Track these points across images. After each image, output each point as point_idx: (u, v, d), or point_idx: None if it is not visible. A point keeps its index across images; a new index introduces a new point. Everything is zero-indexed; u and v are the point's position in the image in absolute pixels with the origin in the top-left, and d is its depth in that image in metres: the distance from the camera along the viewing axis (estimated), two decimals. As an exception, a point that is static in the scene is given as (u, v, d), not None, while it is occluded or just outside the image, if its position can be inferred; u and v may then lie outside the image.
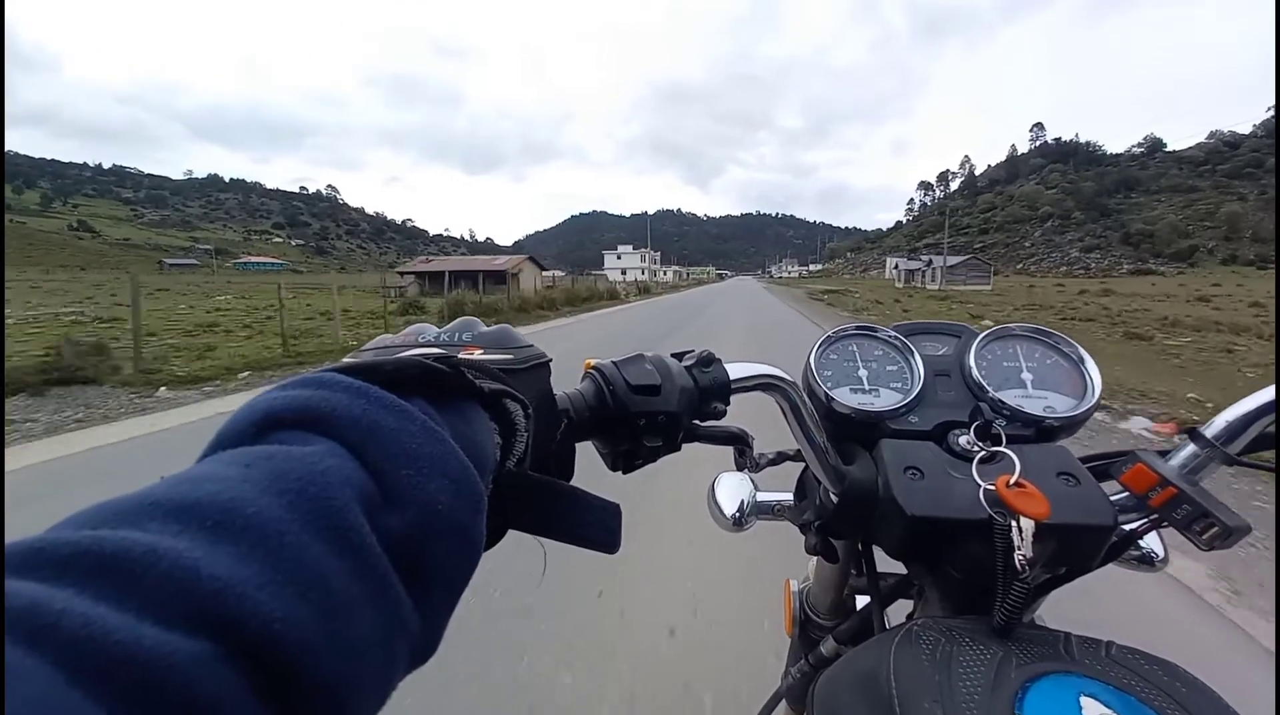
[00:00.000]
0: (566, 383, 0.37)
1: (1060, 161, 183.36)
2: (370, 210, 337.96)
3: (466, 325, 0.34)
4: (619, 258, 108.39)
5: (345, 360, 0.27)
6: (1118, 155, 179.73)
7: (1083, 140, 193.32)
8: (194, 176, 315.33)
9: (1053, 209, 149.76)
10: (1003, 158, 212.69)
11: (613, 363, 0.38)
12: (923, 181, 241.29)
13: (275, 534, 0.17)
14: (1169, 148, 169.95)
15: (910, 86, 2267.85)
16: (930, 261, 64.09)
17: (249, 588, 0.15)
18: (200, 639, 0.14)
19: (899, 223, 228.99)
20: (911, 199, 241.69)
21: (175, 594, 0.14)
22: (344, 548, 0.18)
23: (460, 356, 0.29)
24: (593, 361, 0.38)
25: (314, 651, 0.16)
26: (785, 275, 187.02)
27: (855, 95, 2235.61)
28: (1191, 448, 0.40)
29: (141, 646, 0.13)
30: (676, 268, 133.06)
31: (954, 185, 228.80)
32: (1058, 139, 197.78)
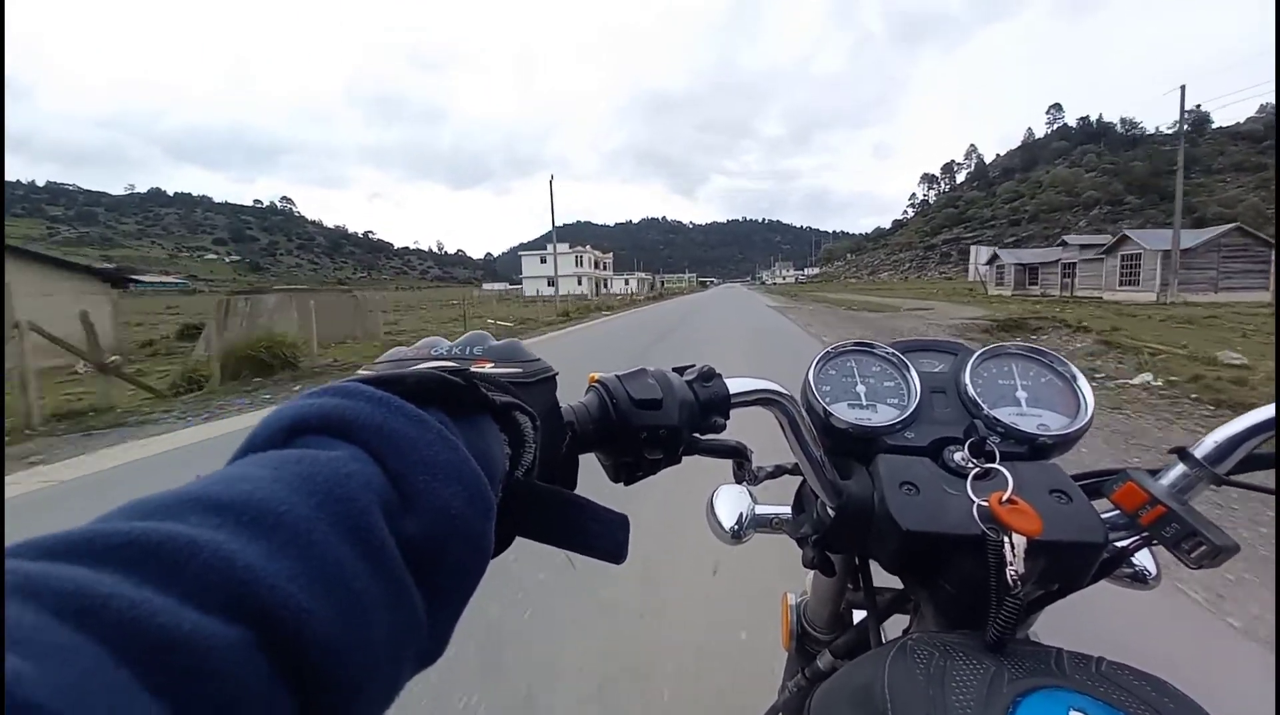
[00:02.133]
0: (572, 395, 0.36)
1: (1089, 142, 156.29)
2: (332, 223, 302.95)
3: (478, 339, 0.34)
4: (543, 262, 62.91)
5: (364, 372, 0.28)
6: (1150, 135, 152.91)
7: (1111, 119, 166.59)
8: (135, 191, 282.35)
9: (1098, 193, 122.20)
10: (1015, 144, 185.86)
11: (616, 377, 0.38)
12: (925, 174, 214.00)
13: (305, 532, 0.17)
14: (1215, 124, 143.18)
15: (890, 91, 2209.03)
16: (1118, 241, 28.37)
17: (281, 580, 0.16)
18: (237, 625, 0.15)
19: (896, 222, 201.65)
20: (913, 194, 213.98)
21: (215, 583, 0.15)
22: (366, 549, 0.18)
23: (473, 370, 0.29)
24: (597, 375, 0.38)
25: (335, 646, 0.16)
26: (780, 281, 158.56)
27: (835, 101, 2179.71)
28: (1181, 467, 0.39)
29: (182, 630, 0.13)
30: (643, 274, 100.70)
31: (960, 177, 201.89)
32: (1084, 119, 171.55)
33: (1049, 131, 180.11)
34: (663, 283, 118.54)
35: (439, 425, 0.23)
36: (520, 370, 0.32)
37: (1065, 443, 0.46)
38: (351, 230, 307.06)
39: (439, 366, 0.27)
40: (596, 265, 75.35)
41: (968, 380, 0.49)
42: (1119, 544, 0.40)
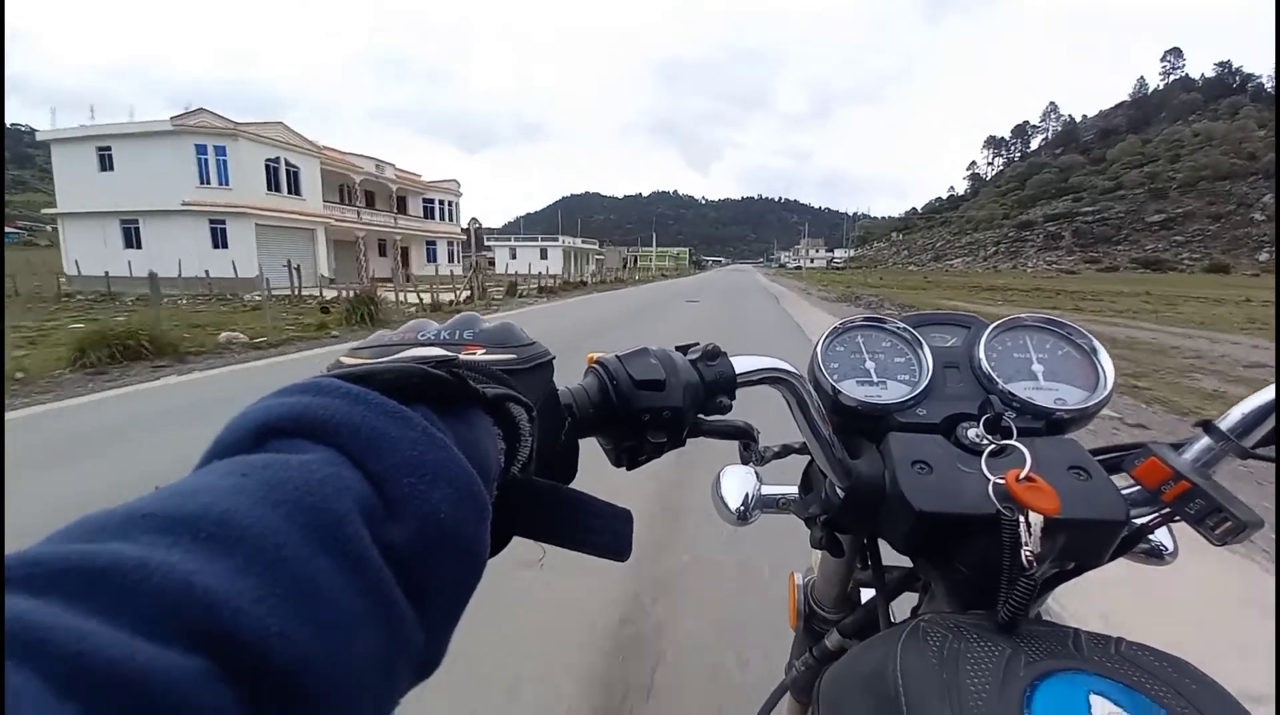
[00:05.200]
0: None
1: (1227, 95, 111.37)
2: None
3: (468, 322, 0.31)
4: (106, 168, 19.33)
5: (343, 363, 0.26)
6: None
7: (1253, 70, 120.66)
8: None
9: (1292, 154, 79.17)
10: (1112, 101, 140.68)
11: (616, 357, 0.35)
12: (991, 137, 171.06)
13: (272, 546, 0.15)
14: None
15: (912, 67, 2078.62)
16: None
17: (245, 601, 0.14)
18: (195, 655, 0.13)
19: (940, 199, 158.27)
20: (973, 162, 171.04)
21: (168, 608, 0.13)
22: (344, 560, 0.17)
23: (462, 357, 0.27)
24: (596, 355, 0.36)
25: (313, 668, 0.15)
26: (808, 264, 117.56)
27: (855, 76, 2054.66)
28: (1205, 441, 0.37)
29: (134, 663, 0.12)
30: (584, 243, 56.57)
31: (1034, 143, 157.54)
32: (1223, 65, 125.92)
33: (1166, 83, 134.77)
34: (635, 260, 78.35)
35: (424, 422, 0.21)
36: (515, 356, 0.29)
37: (1084, 417, 0.44)
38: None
39: (426, 355, 0.25)
40: (367, 203, 28.19)
41: (982, 354, 0.47)
42: (1139, 521, 0.38)
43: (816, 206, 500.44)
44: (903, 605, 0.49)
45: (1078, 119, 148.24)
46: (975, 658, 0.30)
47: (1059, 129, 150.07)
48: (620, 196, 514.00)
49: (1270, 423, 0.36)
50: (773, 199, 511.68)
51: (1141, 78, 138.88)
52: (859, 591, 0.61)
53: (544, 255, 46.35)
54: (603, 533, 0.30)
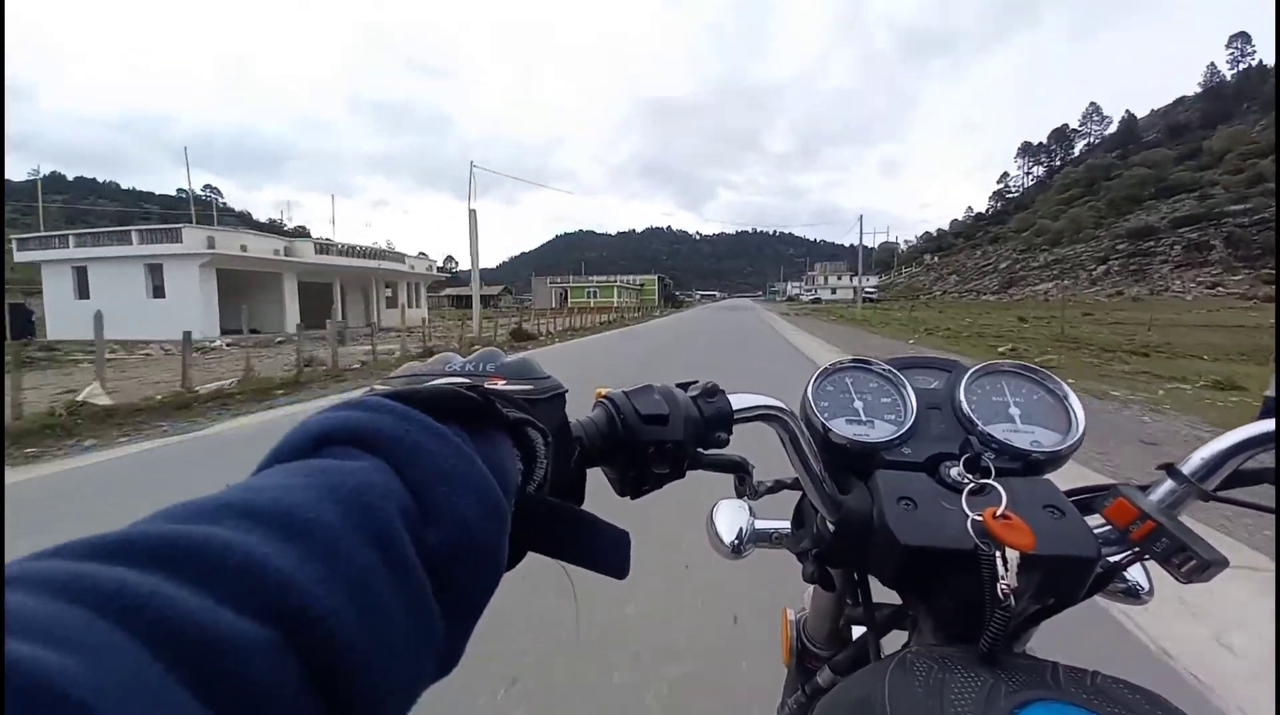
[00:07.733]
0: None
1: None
2: (322, 231, 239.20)
3: (490, 356, 0.34)
4: None
5: (381, 387, 0.28)
6: None
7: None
8: (39, 175, 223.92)
9: None
10: (1171, 98, 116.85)
11: (624, 393, 0.37)
12: (1027, 143, 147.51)
13: (333, 539, 0.17)
14: None
15: (899, 107, 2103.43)
16: None
17: (310, 583, 0.16)
18: (268, 626, 0.14)
19: (970, 213, 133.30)
20: (1005, 174, 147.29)
21: (249, 585, 0.15)
22: (387, 556, 0.18)
23: (486, 386, 0.29)
24: (604, 390, 0.38)
25: (358, 649, 0.16)
26: (830, 297, 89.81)
27: (844, 117, 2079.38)
28: (1169, 483, 0.39)
29: (219, 630, 0.13)
30: (391, 262, 24.71)
31: (1077, 148, 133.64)
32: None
33: (1236, 71, 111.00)
34: (566, 296, 51.53)
35: (457, 439, 0.23)
36: (532, 387, 0.32)
37: (1057, 459, 0.45)
38: (294, 226, 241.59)
39: (456, 383, 0.27)
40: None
41: (962, 397, 0.48)
42: (1111, 559, 0.39)
43: (812, 239, 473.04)
44: (893, 645, 0.49)
45: (1115, 120, 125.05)
46: (959, 688, 0.31)
47: (1103, 132, 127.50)
48: (614, 234, 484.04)
49: (1229, 467, 0.38)
50: (767, 233, 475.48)
51: (1212, 64, 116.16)
52: (850, 628, 0.61)
53: (158, 289, 18.02)
54: (607, 552, 0.31)
